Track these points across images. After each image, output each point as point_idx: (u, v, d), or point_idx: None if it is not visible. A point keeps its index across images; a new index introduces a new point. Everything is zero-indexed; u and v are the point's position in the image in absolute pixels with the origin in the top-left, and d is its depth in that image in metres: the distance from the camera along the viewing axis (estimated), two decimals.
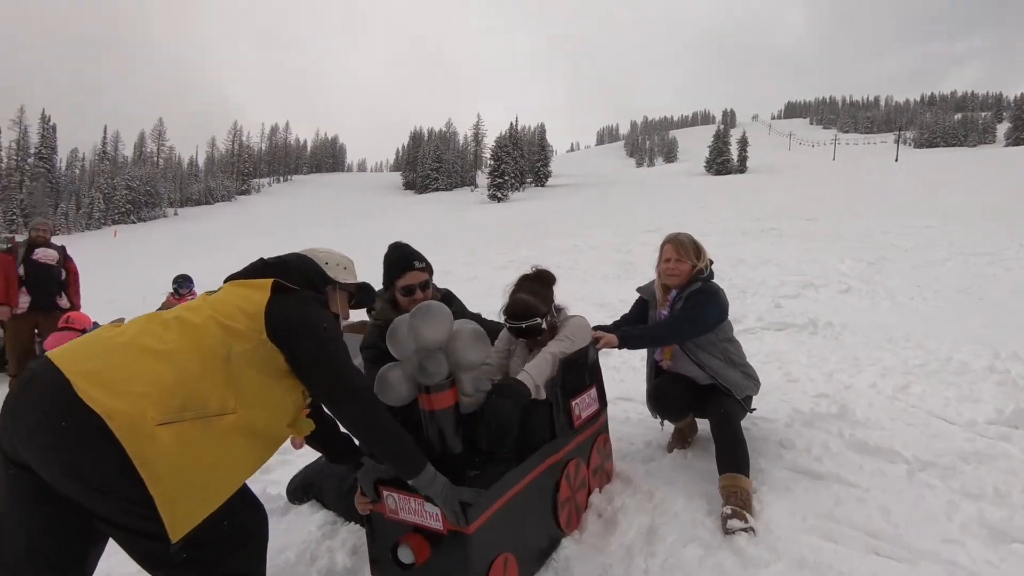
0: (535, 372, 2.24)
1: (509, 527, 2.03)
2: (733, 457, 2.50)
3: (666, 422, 3.08)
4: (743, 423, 2.75)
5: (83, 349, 1.55)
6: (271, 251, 2.22)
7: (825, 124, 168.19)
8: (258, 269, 1.83)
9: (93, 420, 1.38)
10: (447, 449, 2.02)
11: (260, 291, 1.73)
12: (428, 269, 2.67)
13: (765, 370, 3.85)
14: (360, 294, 2.09)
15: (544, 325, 2.46)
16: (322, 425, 2.04)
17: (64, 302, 5.83)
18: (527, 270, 2.65)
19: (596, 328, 2.86)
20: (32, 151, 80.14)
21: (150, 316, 1.68)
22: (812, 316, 5.57)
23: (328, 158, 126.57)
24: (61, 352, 1.54)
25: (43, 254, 5.71)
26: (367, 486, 2.03)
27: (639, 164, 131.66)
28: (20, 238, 6.26)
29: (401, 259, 2.62)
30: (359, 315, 3.31)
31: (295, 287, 1.79)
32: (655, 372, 3.04)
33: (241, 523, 1.64)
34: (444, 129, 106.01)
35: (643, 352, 5.03)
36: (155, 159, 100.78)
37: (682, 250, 2.84)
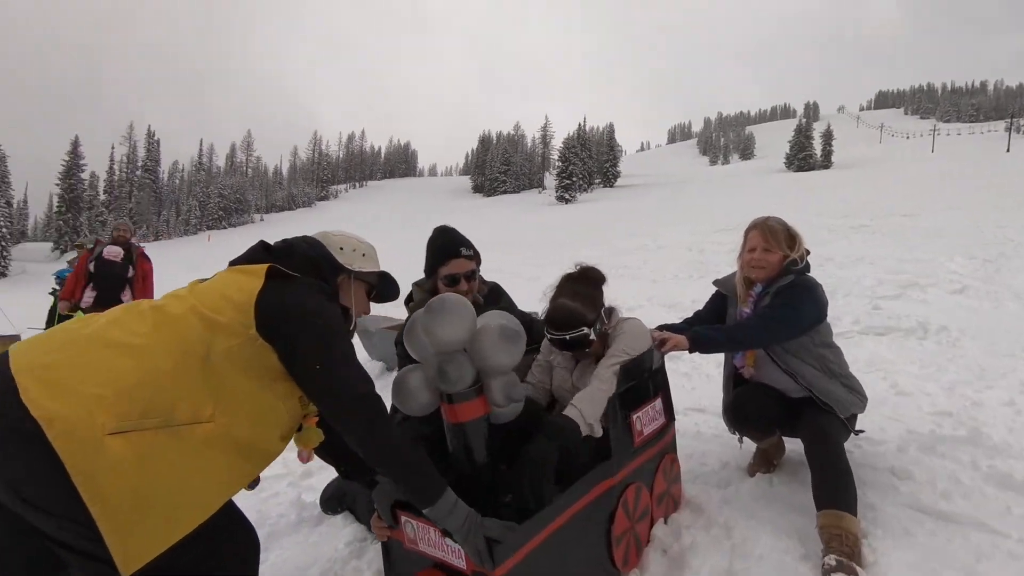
0: (587, 408, 1.88)
1: (550, 567, 1.67)
2: (835, 490, 2.02)
3: (746, 440, 2.60)
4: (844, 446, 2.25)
5: (45, 342, 1.34)
6: None
7: (922, 114, 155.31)
8: (257, 253, 1.58)
9: (29, 426, 1.15)
10: (476, 468, 1.69)
11: (253, 277, 1.47)
12: (476, 257, 2.36)
13: (867, 380, 3.23)
14: (382, 285, 1.80)
15: (592, 336, 2.08)
16: (333, 435, 1.76)
17: (128, 298, 6.02)
18: (571, 269, 2.28)
19: (662, 328, 2.44)
20: (139, 164, 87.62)
21: (129, 306, 1.45)
22: (921, 319, 4.82)
23: (401, 163, 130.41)
24: (22, 345, 1.33)
25: (109, 251, 5.91)
26: (383, 509, 1.74)
27: (713, 162, 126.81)
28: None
29: (446, 244, 2.32)
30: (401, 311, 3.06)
31: (296, 274, 1.52)
32: (734, 381, 2.58)
33: (218, 553, 1.38)
34: (512, 132, 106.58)
35: (719, 357, 4.49)
36: (244, 169, 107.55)
37: (771, 237, 2.38)
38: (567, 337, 2.04)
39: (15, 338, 6.81)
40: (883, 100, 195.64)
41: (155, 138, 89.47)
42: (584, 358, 2.21)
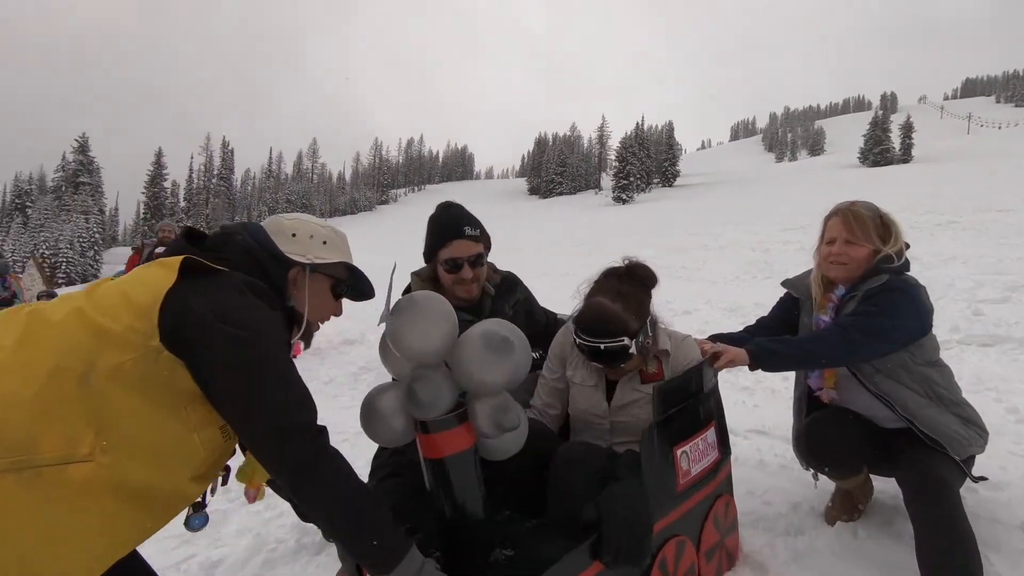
0: None
1: None
2: (950, 558, 1.51)
3: (823, 476, 2.10)
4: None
5: None
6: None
7: (1016, 101, 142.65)
8: (179, 244, 1.26)
9: None
10: (462, 515, 1.31)
11: (165, 271, 1.15)
12: (484, 239, 1.98)
13: (977, 403, 2.65)
14: (353, 280, 1.45)
15: (632, 349, 1.66)
16: None
17: None
18: (617, 263, 1.85)
19: (716, 338, 1.98)
20: (215, 172, 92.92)
21: (8, 311, 1.16)
22: None
23: (458, 167, 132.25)
24: None
25: (157, 253, 5.99)
26: (347, 562, 1.39)
27: (779, 159, 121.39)
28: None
29: (448, 222, 1.94)
30: None
31: (221, 268, 1.19)
32: (809, 403, 2.08)
33: None
34: (568, 133, 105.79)
35: (789, 373, 3.94)
36: (310, 175, 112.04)
37: (856, 226, 1.88)
38: (601, 347, 1.63)
39: None
40: (971, 88, 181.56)
41: (229, 148, 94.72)
42: (617, 375, 1.79)
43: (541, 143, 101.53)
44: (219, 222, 78.54)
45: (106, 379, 1.04)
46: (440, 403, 1.24)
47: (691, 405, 1.69)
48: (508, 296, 2.12)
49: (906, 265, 1.91)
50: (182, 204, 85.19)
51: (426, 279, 2.02)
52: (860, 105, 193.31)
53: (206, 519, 1.43)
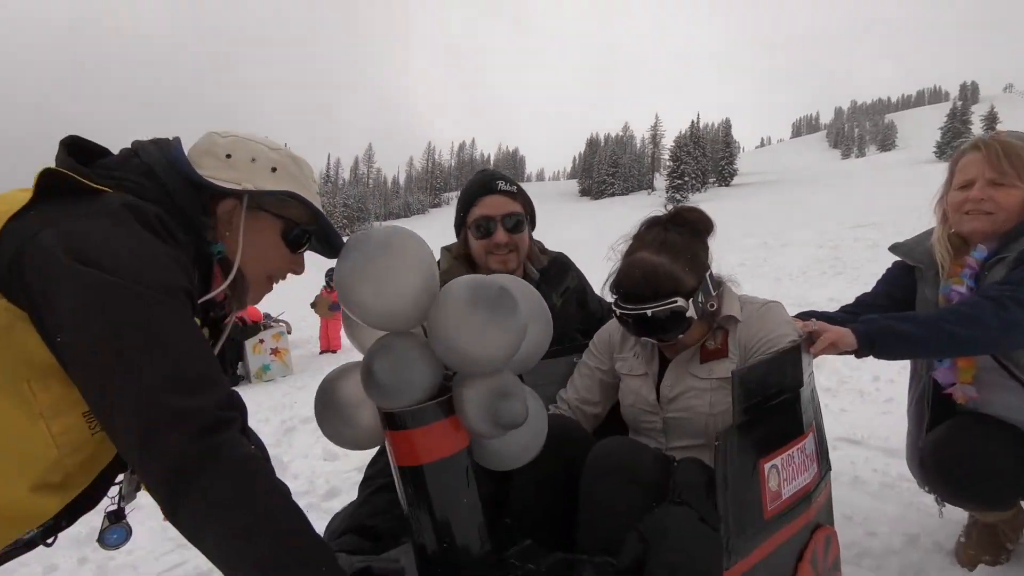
0: None
1: None
2: None
3: (950, 506, 1.59)
4: None
5: None
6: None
7: None
8: (58, 157, 0.91)
9: None
10: (450, 551, 0.91)
11: (22, 192, 0.82)
12: (521, 199, 1.63)
13: None
14: (317, 228, 1.08)
15: (691, 311, 1.25)
16: None
17: None
18: (659, 211, 1.44)
19: (806, 315, 1.53)
20: None
21: None
22: None
23: (510, 169, 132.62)
24: None
25: None
26: None
27: (845, 155, 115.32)
28: None
29: (479, 179, 1.65)
30: None
31: (104, 188, 0.85)
32: (934, 406, 1.57)
33: None
34: (620, 133, 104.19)
35: (878, 366, 3.31)
36: (366, 180, 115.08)
37: (1008, 162, 1.39)
38: (648, 312, 1.22)
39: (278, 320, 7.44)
40: None
41: None
42: (674, 353, 1.37)
43: (593, 144, 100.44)
44: None
45: None
46: (410, 385, 0.84)
47: (786, 402, 1.23)
48: (557, 282, 1.74)
49: None
50: None
51: (457, 255, 1.68)
52: (936, 96, 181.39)
53: (126, 533, 1.10)
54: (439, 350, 0.84)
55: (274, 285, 1.09)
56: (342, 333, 8.11)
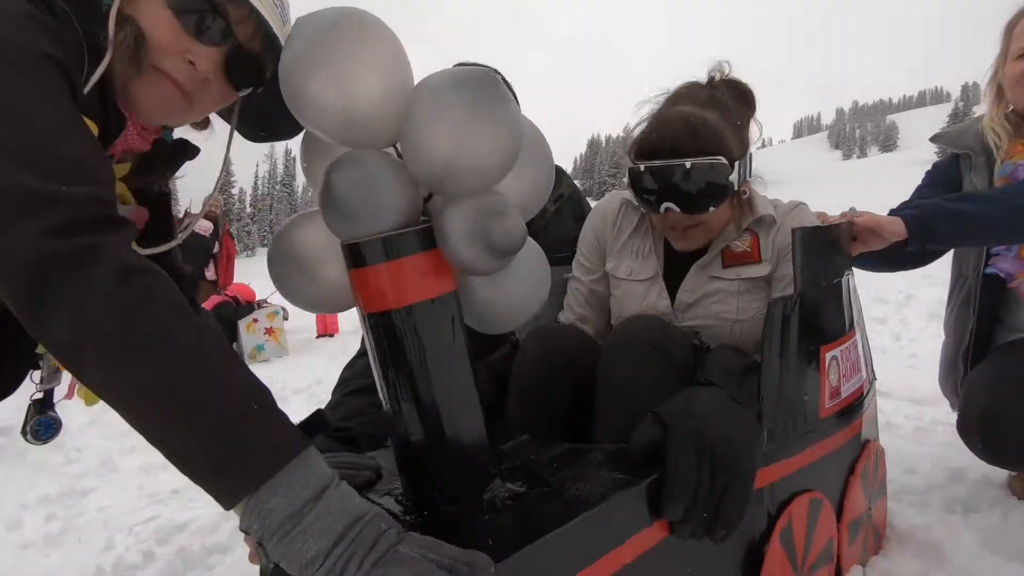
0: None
1: None
2: None
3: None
4: None
5: None
6: None
7: None
8: None
9: None
10: (432, 431, 0.73)
11: None
12: None
13: None
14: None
15: (734, 178, 1.06)
16: None
17: (211, 274, 5.95)
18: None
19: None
20: (279, 179, 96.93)
21: None
22: None
23: None
24: None
25: (199, 225, 5.81)
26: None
27: (847, 156, 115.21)
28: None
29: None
30: None
31: None
32: (980, 315, 1.39)
33: None
34: (621, 134, 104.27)
35: (923, 323, 3.18)
36: None
37: None
38: (688, 164, 1.02)
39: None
40: None
41: (291, 155, 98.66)
42: (690, 246, 1.18)
43: (594, 144, 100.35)
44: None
45: None
46: (378, 203, 0.66)
47: (842, 285, 1.06)
48: (571, 216, 1.57)
49: None
50: (248, 210, 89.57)
51: None
52: (937, 97, 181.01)
53: (54, 426, 0.93)
54: (415, 160, 0.66)
55: (179, 89, 0.78)
56: (340, 316, 7.96)
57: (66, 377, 0.94)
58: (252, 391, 0.59)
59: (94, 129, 0.70)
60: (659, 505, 0.75)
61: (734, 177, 1.06)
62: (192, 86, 0.79)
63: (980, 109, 1.40)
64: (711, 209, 1.08)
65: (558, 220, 1.53)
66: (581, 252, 1.37)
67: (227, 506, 0.58)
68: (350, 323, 7.78)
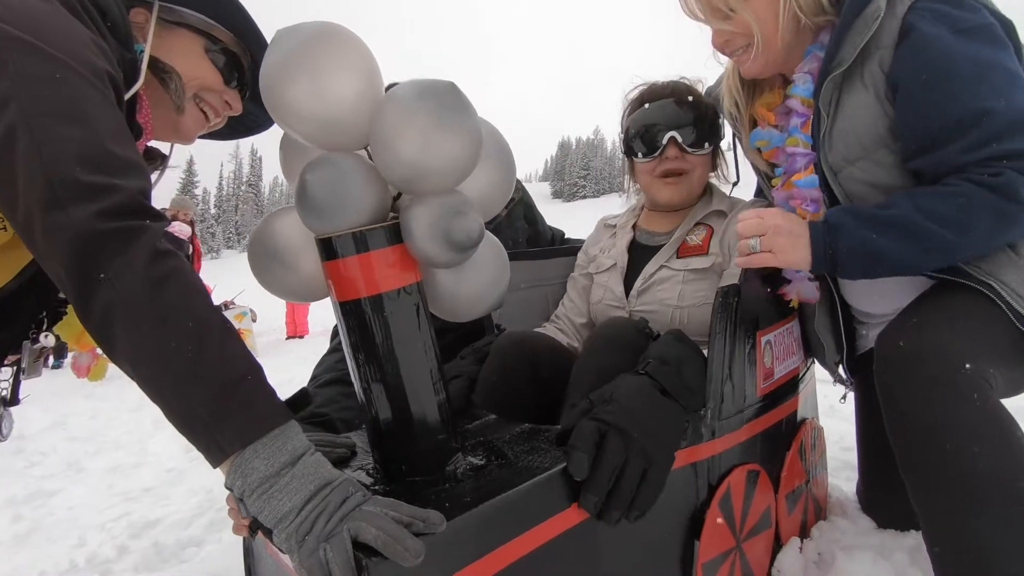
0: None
1: None
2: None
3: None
4: None
5: None
6: None
7: None
8: None
9: None
10: (400, 412, 0.80)
11: None
12: None
13: None
14: (252, 63, 1.02)
15: (724, 131, 1.36)
16: None
17: None
18: None
19: None
20: (244, 180, 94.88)
21: None
22: None
23: None
24: None
25: (177, 227, 5.70)
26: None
27: None
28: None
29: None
30: None
31: None
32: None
33: None
34: (592, 136, 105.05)
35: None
36: None
37: None
38: (690, 98, 1.31)
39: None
40: None
41: (258, 156, 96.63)
42: (675, 193, 1.35)
43: (564, 147, 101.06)
44: (249, 227, 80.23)
45: None
46: (350, 201, 0.73)
47: (779, 276, 1.17)
48: (524, 221, 1.73)
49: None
50: (212, 211, 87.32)
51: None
52: None
53: (10, 423, 0.99)
54: (384, 163, 0.73)
55: (207, 120, 1.00)
56: (309, 319, 7.90)
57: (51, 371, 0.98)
58: (248, 365, 0.67)
59: None
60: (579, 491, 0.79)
61: (724, 131, 1.32)
62: (222, 115, 1.01)
63: None
64: (705, 146, 1.29)
65: (510, 223, 1.66)
66: (578, 259, 1.55)
67: (215, 463, 0.66)
68: (320, 324, 7.75)
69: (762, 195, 1.36)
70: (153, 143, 1.01)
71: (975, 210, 0.86)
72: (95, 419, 3.63)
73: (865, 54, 0.96)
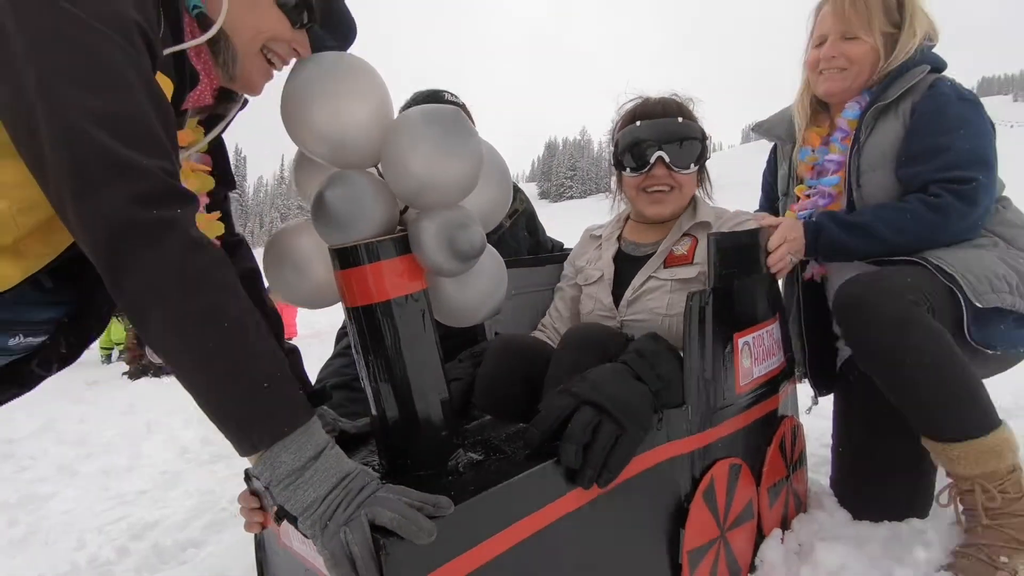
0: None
1: None
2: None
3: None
4: None
5: None
6: None
7: None
8: None
9: None
10: (405, 407, 0.86)
11: None
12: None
13: None
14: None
15: (703, 148, 1.40)
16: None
17: None
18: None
19: None
20: None
21: None
22: None
23: None
24: None
25: None
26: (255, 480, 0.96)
27: None
28: None
29: (423, 94, 1.67)
30: None
31: None
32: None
33: None
34: (579, 137, 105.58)
35: None
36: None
37: (855, 11, 1.32)
38: (679, 120, 1.36)
39: None
40: (987, 87, 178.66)
41: (242, 155, 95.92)
42: (663, 207, 1.40)
43: (551, 147, 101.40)
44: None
45: None
46: (363, 215, 0.79)
47: (756, 281, 1.24)
48: (527, 233, 1.81)
49: (943, 65, 1.37)
50: None
51: None
52: None
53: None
54: (394, 180, 0.79)
55: (273, 71, 0.90)
56: (297, 320, 7.89)
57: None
58: (277, 362, 0.71)
59: (169, 86, 0.78)
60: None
61: (707, 150, 1.39)
62: (289, 62, 0.90)
63: None
64: (691, 167, 1.35)
65: (513, 233, 1.71)
66: (564, 269, 1.60)
67: (245, 454, 0.71)
68: (308, 327, 7.74)
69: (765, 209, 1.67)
70: None
71: (913, 221, 1.21)
72: (84, 423, 3.62)
73: (903, 96, 1.31)
